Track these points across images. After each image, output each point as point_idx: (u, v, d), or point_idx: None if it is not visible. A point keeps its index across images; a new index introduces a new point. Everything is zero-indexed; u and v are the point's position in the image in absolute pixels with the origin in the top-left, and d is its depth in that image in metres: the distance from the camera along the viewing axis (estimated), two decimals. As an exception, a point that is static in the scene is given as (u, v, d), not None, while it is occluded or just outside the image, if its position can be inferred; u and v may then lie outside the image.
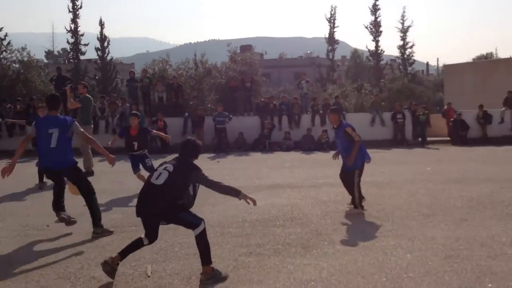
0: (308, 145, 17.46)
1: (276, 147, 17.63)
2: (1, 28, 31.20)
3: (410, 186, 9.28)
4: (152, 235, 4.78)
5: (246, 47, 44.29)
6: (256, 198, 8.01)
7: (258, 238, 5.90)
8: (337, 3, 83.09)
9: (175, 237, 5.89)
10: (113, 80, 38.63)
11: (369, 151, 7.57)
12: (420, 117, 18.97)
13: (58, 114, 6.32)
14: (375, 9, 40.26)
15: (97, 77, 37.18)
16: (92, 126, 12.27)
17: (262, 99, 19.72)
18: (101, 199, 8.29)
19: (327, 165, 12.77)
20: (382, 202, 7.78)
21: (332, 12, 43.50)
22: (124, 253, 4.72)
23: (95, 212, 6.23)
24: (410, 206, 7.48)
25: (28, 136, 6.33)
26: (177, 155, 4.97)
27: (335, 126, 7.56)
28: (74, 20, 37.44)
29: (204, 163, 13.82)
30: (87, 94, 11.66)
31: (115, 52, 44.90)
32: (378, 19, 40.19)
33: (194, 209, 4.79)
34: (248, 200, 4.83)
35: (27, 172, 12.47)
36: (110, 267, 4.56)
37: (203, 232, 4.68)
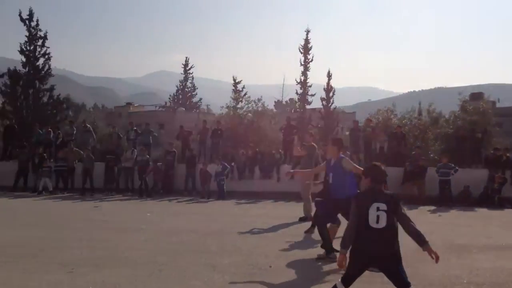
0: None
1: (506, 203, 15.87)
2: (240, 81, 35.18)
3: None
4: (351, 281, 4.60)
5: (477, 95, 41.50)
6: (483, 259, 7.43)
7: (485, 305, 5.33)
8: None
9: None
10: (334, 128, 39.79)
11: None
12: None
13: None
14: None
15: (319, 126, 38.77)
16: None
17: (492, 151, 18.09)
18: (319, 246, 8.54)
19: None
20: None
21: None
22: None
23: None
24: None
25: None
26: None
27: None
28: (304, 72, 39.97)
29: (424, 216, 13.23)
30: (312, 143, 12.20)
31: (338, 101, 46.32)
32: None
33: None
34: (432, 255, 4.49)
35: (251, 213, 13.53)
36: None
37: None
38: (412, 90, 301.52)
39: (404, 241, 8.51)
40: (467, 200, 16.24)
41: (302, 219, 11.57)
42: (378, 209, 4.50)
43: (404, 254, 7.78)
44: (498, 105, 59.50)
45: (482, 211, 14.74)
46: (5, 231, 9.74)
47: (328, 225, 7.85)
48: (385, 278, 4.71)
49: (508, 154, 17.57)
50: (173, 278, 6.28)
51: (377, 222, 4.48)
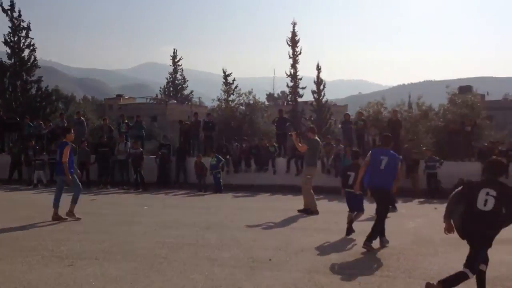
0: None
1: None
2: (230, 74, 35.12)
3: None
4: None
5: (465, 88, 41.83)
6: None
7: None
8: None
9: (393, 286, 5.71)
10: (327, 121, 39.96)
11: None
12: None
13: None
14: None
15: (312, 118, 38.87)
16: (317, 167, 12.74)
17: (486, 144, 18.23)
18: (317, 237, 8.59)
19: None
20: None
21: None
22: (445, 284, 5.02)
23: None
24: None
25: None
26: None
27: None
28: (293, 65, 40.02)
29: (420, 209, 13.37)
30: (315, 137, 12.23)
31: (329, 94, 46.53)
32: None
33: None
34: None
35: (249, 206, 13.57)
36: None
37: (466, 277, 5.00)
38: (401, 83, 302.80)
39: (401, 236, 8.55)
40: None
41: (301, 211, 11.61)
42: (487, 193, 5.07)
43: (403, 248, 7.88)
44: (487, 98, 60.00)
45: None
46: (2, 224, 9.67)
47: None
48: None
49: (500, 147, 17.72)
50: (174, 271, 6.26)
51: (485, 205, 5.05)
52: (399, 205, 12.84)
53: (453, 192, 5.41)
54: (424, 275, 6.23)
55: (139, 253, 7.32)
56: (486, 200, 5.03)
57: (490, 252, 5.31)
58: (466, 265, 5.09)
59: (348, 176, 9.25)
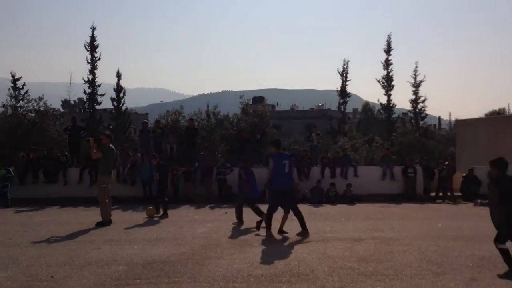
0: (317, 197, 17.34)
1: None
2: (19, 78, 32.23)
3: (420, 242, 9.10)
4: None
5: (258, 99, 44.98)
6: (263, 252, 8.08)
7: (263, 294, 5.78)
8: (350, 57, 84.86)
9: None
10: (127, 130, 39.16)
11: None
12: (443, 172, 18.96)
13: None
14: (387, 64, 40.99)
15: (111, 127, 37.70)
16: (112, 176, 12.34)
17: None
18: (106, 249, 8.32)
19: (335, 219, 12.70)
20: (391, 259, 7.63)
21: (345, 66, 44.00)
22: None
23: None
24: (420, 263, 7.32)
25: None
26: None
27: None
28: (92, 71, 38.44)
29: (211, 213, 13.88)
30: (110, 145, 11.81)
31: (130, 102, 45.71)
32: (390, 74, 40.85)
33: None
34: None
35: (35, 221, 12.57)
36: None
37: None
38: (202, 93, 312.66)
39: (192, 241, 8.75)
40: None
41: (99, 224, 11.11)
42: None
43: (192, 253, 8.04)
44: (277, 108, 65.32)
45: (263, 207, 15.93)
46: None
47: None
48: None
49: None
50: None
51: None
52: (193, 211, 13.19)
53: None
54: (209, 278, 6.45)
55: None
56: None
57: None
58: None
59: None
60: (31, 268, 7.05)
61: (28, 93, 27.76)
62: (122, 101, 40.36)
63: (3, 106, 23.66)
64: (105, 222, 11.27)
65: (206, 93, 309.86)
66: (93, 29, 38.18)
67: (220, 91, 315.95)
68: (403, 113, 49.19)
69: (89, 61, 38.26)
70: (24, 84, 31.93)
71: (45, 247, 8.78)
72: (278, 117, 44.81)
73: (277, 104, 69.10)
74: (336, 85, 46.74)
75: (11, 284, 6.23)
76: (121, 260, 7.52)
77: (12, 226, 11.61)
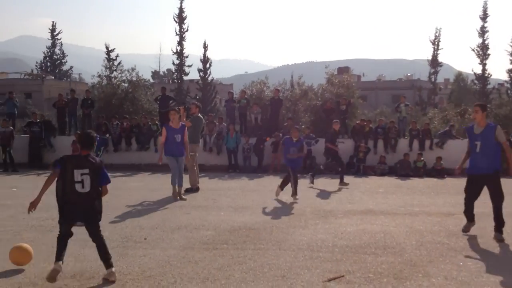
0: (405, 170, 16.82)
1: (370, 171, 17.21)
2: (113, 49, 33.71)
3: None
4: None
5: (343, 69, 44.04)
6: (347, 223, 8.02)
7: (348, 265, 5.74)
8: (442, 25, 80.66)
9: (264, 258, 5.92)
10: (212, 100, 40.02)
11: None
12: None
13: None
14: (483, 32, 38.67)
15: (197, 97, 38.67)
16: (199, 144, 12.78)
17: (358, 122, 19.38)
18: (195, 215, 8.64)
19: (424, 193, 12.30)
20: (483, 235, 7.31)
21: (437, 34, 41.98)
22: None
23: None
24: (515, 241, 6.95)
25: None
26: None
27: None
28: (180, 43, 39.44)
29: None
30: (199, 114, 12.18)
31: (215, 73, 46.53)
32: (486, 42, 38.52)
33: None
34: None
35: (128, 186, 13.26)
36: None
37: None
38: (286, 64, 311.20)
39: (276, 210, 8.86)
40: (334, 169, 17.18)
41: (188, 190, 11.53)
42: None
43: (276, 221, 8.17)
44: (362, 79, 63.74)
45: (348, 179, 15.74)
46: None
47: None
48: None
49: (371, 125, 18.93)
50: (41, 255, 5.99)
51: None
52: (277, 180, 13.27)
53: None
54: (294, 246, 6.52)
55: (2, 237, 6.87)
56: None
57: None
58: None
59: None
60: (125, 230, 7.47)
61: (121, 64, 28.99)
62: (208, 72, 41.21)
63: (99, 76, 24.89)
64: (194, 188, 11.66)
65: (290, 63, 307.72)
66: (181, 0, 38.97)
67: (304, 61, 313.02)
68: (499, 84, 46.25)
69: (177, 33, 39.23)
70: (117, 56, 33.37)
71: (138, 211, 9.26)
72: (364, 87, 43.64)
73: (363, 75, 67.43)
74: (427, 54, 44.77)
75: (108, 244, 6.63)
76: (209, 225, 7.77)
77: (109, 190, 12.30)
